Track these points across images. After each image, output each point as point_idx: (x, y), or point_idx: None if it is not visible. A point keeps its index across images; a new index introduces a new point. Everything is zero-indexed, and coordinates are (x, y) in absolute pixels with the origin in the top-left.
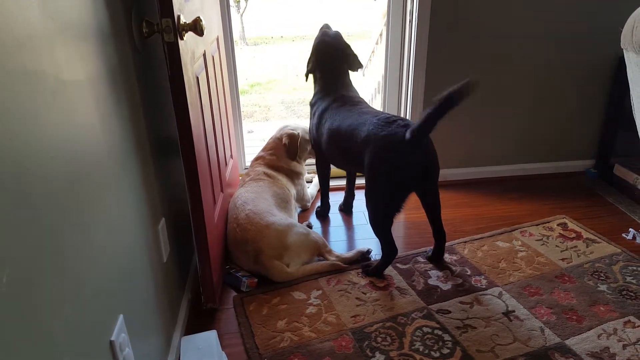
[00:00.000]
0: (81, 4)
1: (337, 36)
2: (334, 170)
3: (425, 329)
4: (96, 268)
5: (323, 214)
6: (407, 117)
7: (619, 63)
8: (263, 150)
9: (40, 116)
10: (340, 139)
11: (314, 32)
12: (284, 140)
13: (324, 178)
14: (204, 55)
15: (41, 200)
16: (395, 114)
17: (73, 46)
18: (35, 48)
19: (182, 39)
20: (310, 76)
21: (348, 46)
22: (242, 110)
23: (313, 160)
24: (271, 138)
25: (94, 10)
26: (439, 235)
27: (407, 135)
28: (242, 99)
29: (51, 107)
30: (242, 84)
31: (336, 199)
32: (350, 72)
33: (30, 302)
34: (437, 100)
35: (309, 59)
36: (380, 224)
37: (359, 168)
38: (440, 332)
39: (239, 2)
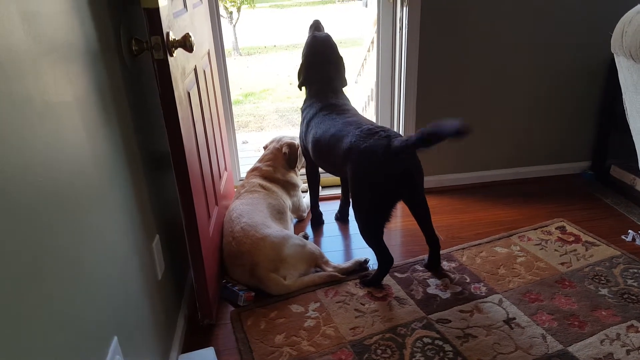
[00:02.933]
0: (68, 24)
1: (327, 39)
2: (330, 179)
3: (425, 340)
4: (88, 290)
5: (316, 222)
6: (401, 125)
7: (612, 65)
8: (260, 161)
9: (26, 139)
10: (324, 149)
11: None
12: (284, 149)
13: (314, 186)
14: (195, 70)
15: (28, 223)
16: (389, 121)
17: (60, 67)
18: (20, 72)
19: (171, 55)
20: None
21: (336, 49)
22: (236, 120)
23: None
24: (267, 149)
25: (81, 31)
26: (432, 241)
27: (397, 143)
28: (236, 109)
29: (37, 130)
30: (236, 94)
31: (333, 207)
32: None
33: (18, 328)
34: (440, 125)
35: (300, 69)
36: (371, 234)
37: (345, 177)
38: (440, 343)
39: (231, 13)
